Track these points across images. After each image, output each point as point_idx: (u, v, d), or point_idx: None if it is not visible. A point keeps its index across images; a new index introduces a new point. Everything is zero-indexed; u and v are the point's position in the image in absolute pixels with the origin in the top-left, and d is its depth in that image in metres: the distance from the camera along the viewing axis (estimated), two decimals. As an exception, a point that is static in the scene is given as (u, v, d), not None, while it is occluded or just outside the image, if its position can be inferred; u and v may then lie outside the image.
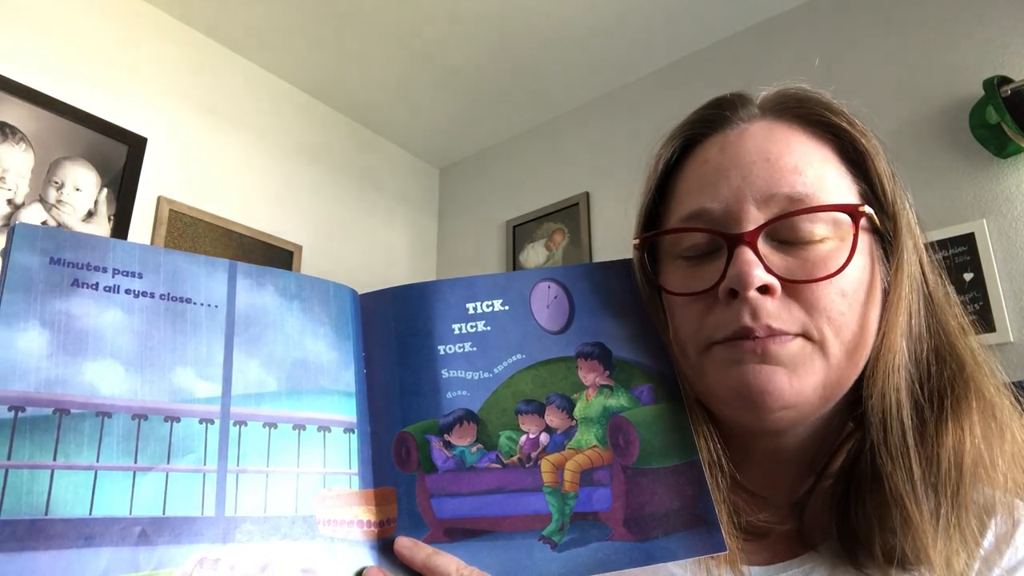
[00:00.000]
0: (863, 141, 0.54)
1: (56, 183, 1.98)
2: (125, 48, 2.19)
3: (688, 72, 2.53)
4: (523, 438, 0.48)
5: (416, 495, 0.46)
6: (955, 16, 1.99)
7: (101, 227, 2.05)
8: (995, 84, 1.76)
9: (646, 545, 0.45)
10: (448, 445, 0.47)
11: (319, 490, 0.43)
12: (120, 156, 2.12)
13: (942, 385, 0.51)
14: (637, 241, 0.58)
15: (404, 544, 0.43)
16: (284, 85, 2.68)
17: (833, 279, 0.49)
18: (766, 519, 0.52)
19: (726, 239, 0.51)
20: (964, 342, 0.53)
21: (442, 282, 0.51)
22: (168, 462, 0.40)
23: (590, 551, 0.44)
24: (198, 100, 2.37)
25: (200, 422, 0.41)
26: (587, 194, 2.69)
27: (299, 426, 0.44)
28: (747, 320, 0.49)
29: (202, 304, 0.43)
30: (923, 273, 0.54)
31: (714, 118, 0.57)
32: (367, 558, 0.43)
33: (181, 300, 0.43)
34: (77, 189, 2.02)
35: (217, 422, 0.42)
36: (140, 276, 0.42)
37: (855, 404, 0.53)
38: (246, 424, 0.42)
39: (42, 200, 1.95)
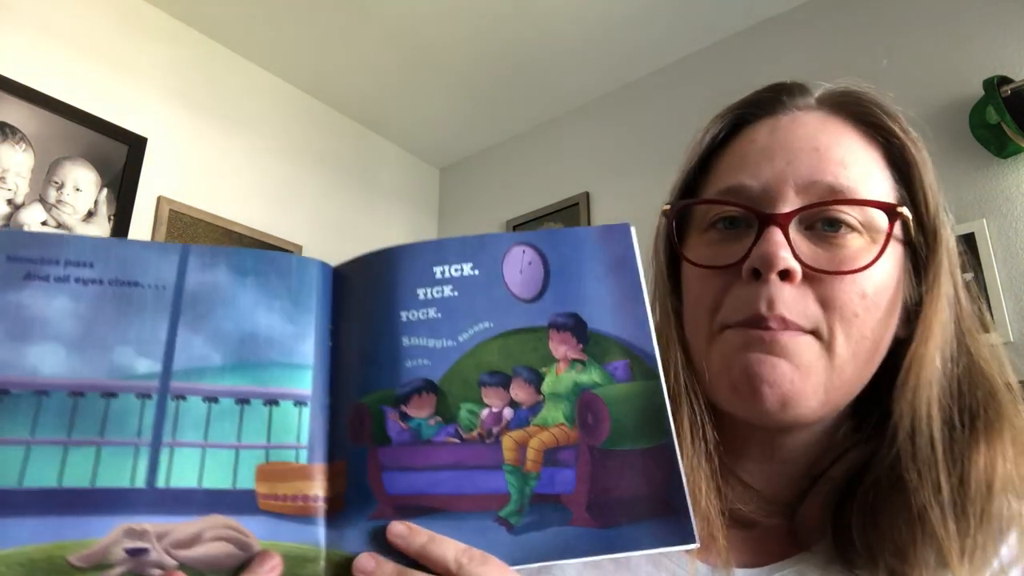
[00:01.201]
0: (913, 151, 0.54)
1: (56, 183, 1.98)
2: (125, 48, 2.20)
3: (688, 72, 2.53)
4: (485, 412, 0.44)
5: (367, 469, 0.43)
6: (955, 16, 1.98)
7: (101, 227, 2.05)
8: (995, 84, 1.76)
9: (608, 532, 0.42)
10: (404, 417, 0.44)
11: (260, 464, 0.42)
12: (120, 156, 2.12)
13: (974, 405, 0.50)
14: (667, 207, 0.57)
15: (398, 532, 0.41)
16: (284, 85, 2.68)
17: (856, 277, 0.49)
18: (752, 511, 0.52)
19: (759, 217, 0.50)
20: (994, 368, 0.52)
21: (412, 245, 0.48)
22: (102, 436, 0.40)
23: (548, 536, 0.42)
24: (198, 100, 2.38)
25: (137, 397, 0.41)
26: (587, 194, 2.69)
27: (243, 400, 0.43)
28: (762, 308, 0.48)
29: (149, 286, 0.44)
30: (956, 294, 0.53)
31: (768, 101, 0.57)
32: (313, 535, 0.41)
33: (128, 284, 0.43)
34: (77, 189, 2.02)
35: (155, 396, 0.42)
36: (91, 265, 0.43)
37: (863, 414, 0.52)
38: (185, 399, 0.42)
39: (42, 200, 1.96)
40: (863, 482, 0.50)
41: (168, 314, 0.43)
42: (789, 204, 0.50)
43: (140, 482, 0.40)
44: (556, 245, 0.48)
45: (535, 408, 0.45)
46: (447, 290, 0.46)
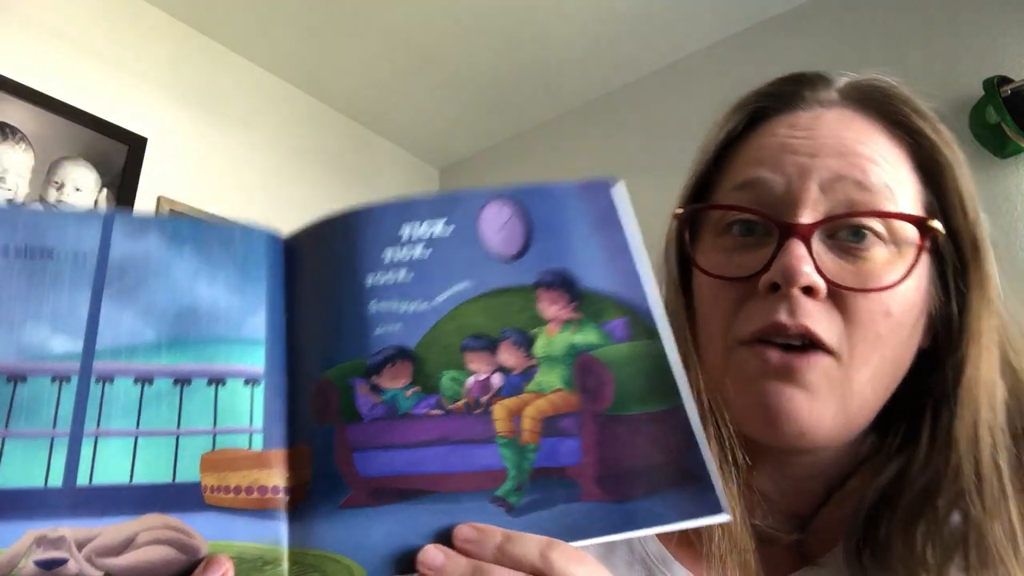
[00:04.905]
0: (946, 152, 0.50)
1: (56, 183, 1.98)
2: (125, 48, 2.20)
3: (688, 72, 2.53)
4: (471, 379, 0.39)
5: (334, 450, 0.38)
6: (955, 16, 1.98)
7: (101, 227, 2.05)
8: (995, 84, 1.76)
9: (625, 507, 0.37)
10: (376, 389, 0.39)
11: (205, 452, 0.36)
12: (120, 156, 2.12)
13: None
14: (680, 211, 0.54)
15: (466, 536, 0.35)
16: (284, 85, 2.68)
17: (882, 294, 0.46)
18: (771, 526, 0.50)
19: (779, 227, 0.47)
20: None
21: (372, 205, 0.42)
22: (6, 427, 0.34)
23: (556, 515, 0.37)
24: (198, 100, 2.38)
25: (53, 380, 0.36)
26: (587, 194, 2.68)
27: (182, 380, 0.37)
28: (783, 316, 0.46)
29: (67, 255, 0.38)
30: (996, 308, 0.50)
31: (788, 95, 0.54)
32: (273, 531, 0.36)
33: (40, 253, 0.37)
34: (77, 189, 2.02)
35: (75, 379, 0.36)
36: None
37: (886, 425, 0.50)
38: (112, 381, 0.36)
39: (42, 200, 1.95)
40: (898, 501, 0.47)
41: (90, 286, 0.37)
42: (812, 205, 0.47)
43: (56, 480, 0.34)
44: (536, 200, 0.44)
45: (528, 373, 0.40)
46: (419, 249, 0.42)
